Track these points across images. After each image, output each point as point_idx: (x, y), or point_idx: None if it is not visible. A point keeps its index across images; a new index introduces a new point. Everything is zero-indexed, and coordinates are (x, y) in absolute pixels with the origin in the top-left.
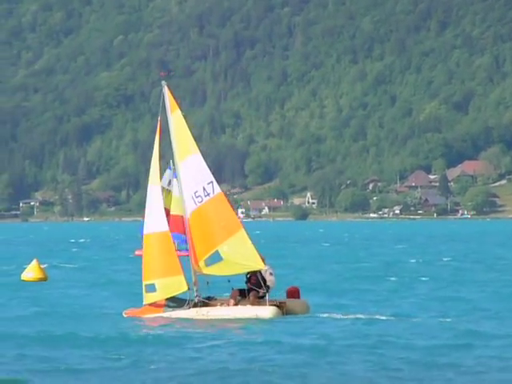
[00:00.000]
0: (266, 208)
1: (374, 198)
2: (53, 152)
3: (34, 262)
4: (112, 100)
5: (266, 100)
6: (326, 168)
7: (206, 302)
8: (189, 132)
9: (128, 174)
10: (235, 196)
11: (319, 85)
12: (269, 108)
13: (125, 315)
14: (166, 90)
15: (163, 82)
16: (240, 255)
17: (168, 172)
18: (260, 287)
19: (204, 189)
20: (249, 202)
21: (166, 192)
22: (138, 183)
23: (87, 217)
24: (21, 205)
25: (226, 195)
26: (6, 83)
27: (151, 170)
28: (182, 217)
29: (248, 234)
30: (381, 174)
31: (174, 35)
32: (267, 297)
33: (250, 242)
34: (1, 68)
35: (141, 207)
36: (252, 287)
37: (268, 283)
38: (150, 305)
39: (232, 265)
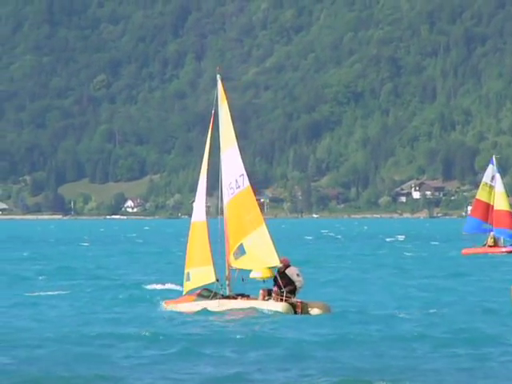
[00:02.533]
0: None
1: None
2: (283, 149)
3: None
4: (342, 97)
5: (497, 97)
6: None
7: (234, 296)
8: (231, 124)
9: (357, 171)
10: (465, 193)
11: None
12: (499, 105)
13: (164, 305)
14: (219, 83)
15: (218, 76)
16: (260, 250)
17: (491, 167)
18: (288, 290)
19: (236, 181)
20: None
21: (489, 188)
22: (367, 180)
23: (316, 213)
24: None
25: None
26: (237, 80)
27: (203, 159)
28: (508, 212)
29: (269, 230)
30: None
31: (405, 32)
32: (284, 293)
33: (270, 238)
34: (232, 65)
35: (370, 205)
36: (279, 286)
37: (296, 283)
38: (188, 294)
39: (253, 259)
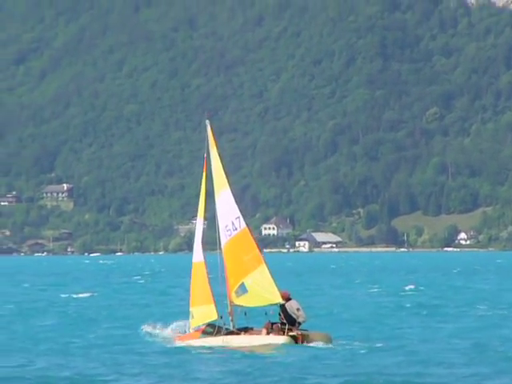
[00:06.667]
0: None
1: None
2: None
3: None
4: None
5: None
6: None
7: (238, 331)
8: (222, 168)
9: None
10: None
11: None
12: None
13: (176, 340)
14: (209, 129)
15: (207, 121)
16: (261, 288)
17: None
18: (289, 323)
19: (232, 223)
20: None
21: None
22: None
23: None
24: None
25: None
26: None
27: (199, 202)
28: None
29: (269, 268)
30: None
31: None
32: (286, 327)
33: (270, 276)
34: None
35: None
36: (281, 320)
37: (299, 319)
38: (194, 330)
39: (255, 297)
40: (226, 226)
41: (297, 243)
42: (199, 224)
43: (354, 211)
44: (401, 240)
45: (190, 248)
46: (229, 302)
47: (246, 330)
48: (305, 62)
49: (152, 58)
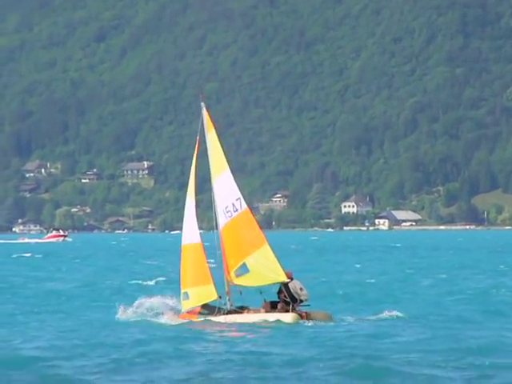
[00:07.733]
0: None
1: None
2: None
3: None
4: None
5: None
6: None
7: (236, 310)
8: (221, 150)
9: None
10: None
11: None
12: None
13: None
14: (204, 112)
15: (202, 104)
16: (264, 267)
17: None
18: (291, 301)
19: (233, 204)
20: None
21: None
22: None
23: None
24: None
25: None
26: None
27: (188, 183)
28: None
29: (272, 248)
30: None
31: None
32: (290, 306)
33: (274, 255)
34: None
35: None
36: (284, 299)
37: (301, 297)
38: (187, 312)
39: (257, 276)
40: (226, 208)
41: (376, 221)
42: (191, 203)
43: (434, 189)
44: (480, 218)
45: (269, 225)
46: (226, 282)
47: (242, 309)
48: (385, 40)
49: (232, 36)
